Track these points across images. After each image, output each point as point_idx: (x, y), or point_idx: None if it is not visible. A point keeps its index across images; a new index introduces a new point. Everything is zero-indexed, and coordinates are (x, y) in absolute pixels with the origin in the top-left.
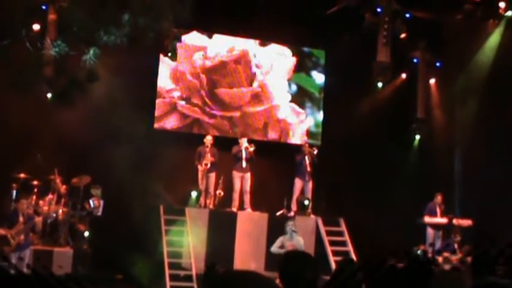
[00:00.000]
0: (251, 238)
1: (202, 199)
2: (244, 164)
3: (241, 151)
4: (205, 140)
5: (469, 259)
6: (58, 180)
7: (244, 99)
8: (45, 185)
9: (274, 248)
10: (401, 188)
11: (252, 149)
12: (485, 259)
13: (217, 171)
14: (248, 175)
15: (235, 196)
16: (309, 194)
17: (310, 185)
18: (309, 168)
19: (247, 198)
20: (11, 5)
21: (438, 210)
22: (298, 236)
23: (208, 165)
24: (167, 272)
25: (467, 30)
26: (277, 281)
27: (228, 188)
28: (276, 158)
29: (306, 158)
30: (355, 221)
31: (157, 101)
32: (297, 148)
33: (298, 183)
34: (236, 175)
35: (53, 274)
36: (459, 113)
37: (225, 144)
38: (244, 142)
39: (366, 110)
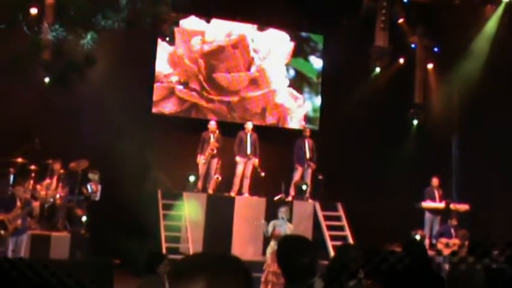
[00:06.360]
0: (249, 223)
1: (200, 183)
2: (248, 150)
3: (246, 136)
4: (209, 126)
5: (466, 243)
6: (57, 165)
7: (242, 84)
8: (42, 170)
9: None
10: (399, 173)
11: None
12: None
13: (219, 156)
14: (251, 161)
15: (236, 181)
16: (308, 179)
17: (310, 170)
18: (308, 154)
19: (246, 183)
20: None
21: (437, 194)
22: (289, 224)
23: (215, 151)
24: None
25: (465, 15)
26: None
27: (226, 172)
28: (274, 143)
29: (306, 143)
30: (353, 205)
31: (155, 85)
32: (296, 133)
33: (298, 168)
34: (240, 160)
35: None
36: (457, 98)
37: (223, 129)
38: (249, 125)
39: (364, 95)
